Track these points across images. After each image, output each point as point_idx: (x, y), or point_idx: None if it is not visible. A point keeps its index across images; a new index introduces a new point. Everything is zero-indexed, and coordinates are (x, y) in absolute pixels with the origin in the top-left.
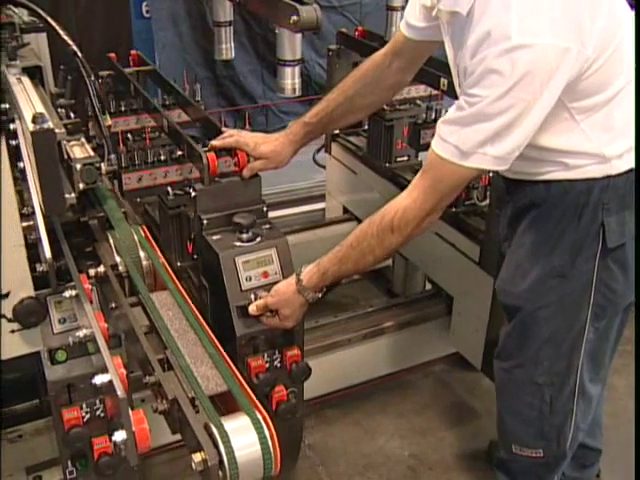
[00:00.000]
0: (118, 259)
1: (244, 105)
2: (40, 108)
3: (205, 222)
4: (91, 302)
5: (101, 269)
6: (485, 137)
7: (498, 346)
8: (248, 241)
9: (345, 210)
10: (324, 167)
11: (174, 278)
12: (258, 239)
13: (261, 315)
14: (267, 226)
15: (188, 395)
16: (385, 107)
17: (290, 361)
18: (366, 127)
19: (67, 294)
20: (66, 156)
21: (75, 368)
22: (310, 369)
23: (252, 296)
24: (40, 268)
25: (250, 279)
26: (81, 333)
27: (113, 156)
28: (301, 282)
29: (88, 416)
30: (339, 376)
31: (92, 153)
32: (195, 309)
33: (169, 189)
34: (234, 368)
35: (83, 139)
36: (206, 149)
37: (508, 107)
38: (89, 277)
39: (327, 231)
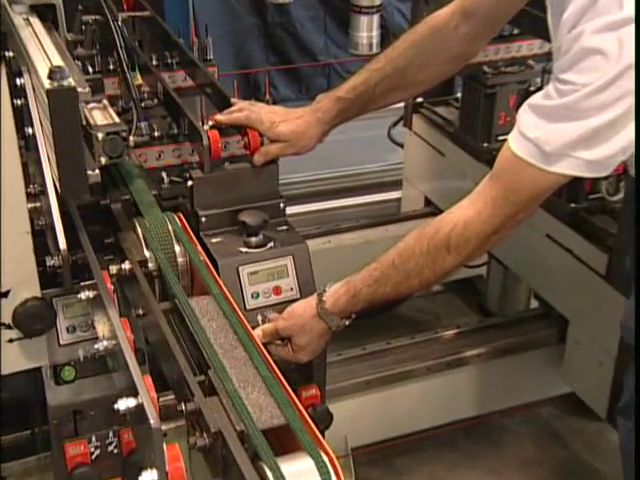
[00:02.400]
0: (147, 254)
1: (300, 62)
2: (57, 60)
3: (203, 220)
4: None
5: (126, 266)
6: (578, 137)
7: (622, 399)
8: (257, 247)
9: (427, 202)
10: (402, 146)
11: (219, 280)
12: (270, 245)
13: (269, 343)
14: (283, 228)
15: (236, 428)
16: (486, 69)
17: (306, 404)
18: (459, 95)
19: (83, 295)
20: (85, 122)
21: (85, 390)
22: (331, 415)
23: (259, 318)
24: (50, 262)
25: (257, 296)
26: (100, 345)
27: (143, 124)
28: (323, 304)
29: (98, 452)
30: (413, 415)
31: (117, 119)
32: (246, 321)
33: (164, 175)
34: (294, 396)
35: (105, 101)
36: (209, 125)
37: (613, 101)
38: (110, 275)
39: (403, 228)
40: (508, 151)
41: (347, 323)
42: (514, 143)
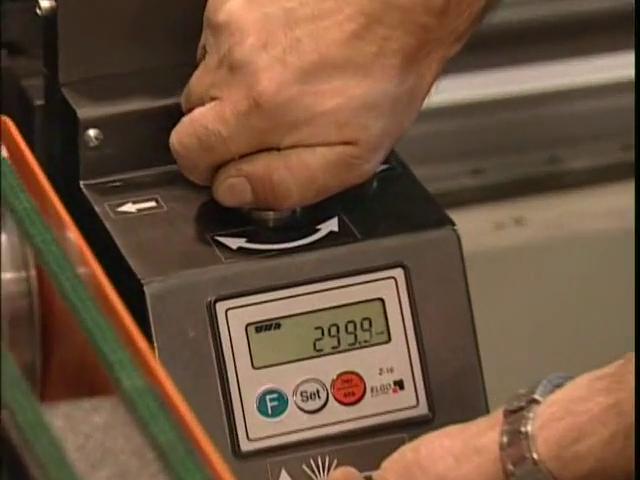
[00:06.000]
0: None
1: None
2: None
3: (92, 135)
4: None
5: None
6: None
7: None
8: (279, 236)
9: None
10: None
11: (142, 348)
12: (319, 233)
13: None
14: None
15: None
16: None
17: None
18: None
19: None
20: None
21: None
22: None
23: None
24: None
25: (280, 407)
26: None
27: None
28: (527, 447)
29: None
30: None
31: None
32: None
33: None
34: None
35: None
36: None
37: None
38: None
39: None
40: None
41: None
42: None
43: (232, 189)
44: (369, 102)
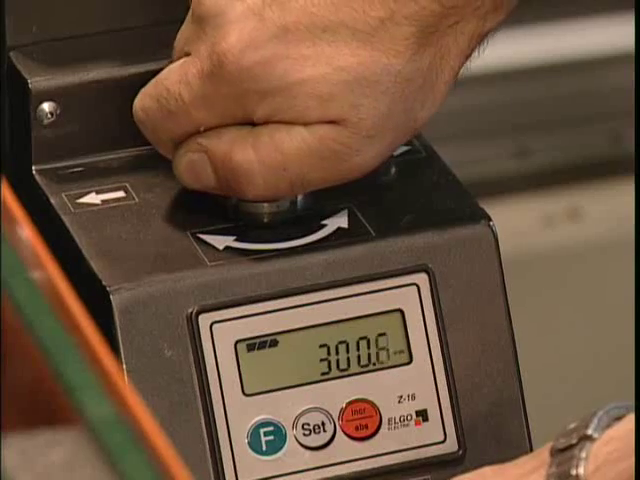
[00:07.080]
0: None
1: None
2: None
3: (46, 110)
4: None
5: None
6: None
7: None
8: (278, 232)
9: None
10: None
11: (102, 356)
12: (325, 230)
13: None
14: (405, 151)
15: None
16: None
17: None
18: None
19: None
20: None
21: None
22: None
23: None
24: None
25: (277, 441)
26: None
27: None
28: None
29: None
30: None
31: None
32: None
33: None
34: None
35: None
36: None
37: None
38: None
39: None
40: None
41: None
42: None
43: (192, 166)
44: (365, 77)
